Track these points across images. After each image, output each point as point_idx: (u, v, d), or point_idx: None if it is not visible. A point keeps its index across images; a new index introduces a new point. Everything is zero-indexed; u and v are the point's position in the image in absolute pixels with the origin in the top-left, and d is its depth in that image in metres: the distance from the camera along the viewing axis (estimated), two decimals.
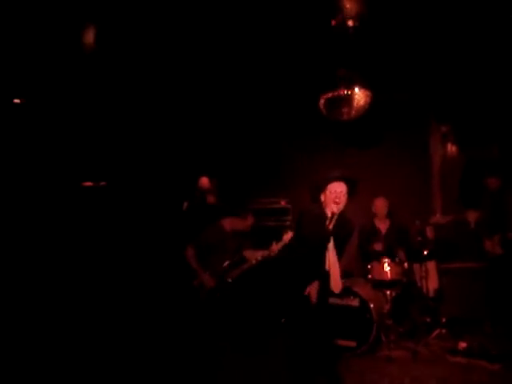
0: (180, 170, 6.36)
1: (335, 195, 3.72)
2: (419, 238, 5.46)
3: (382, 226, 5.84)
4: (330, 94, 5.29)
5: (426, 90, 6.25)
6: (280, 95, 6.45)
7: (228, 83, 6.17)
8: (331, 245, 3.72)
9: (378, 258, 5.21)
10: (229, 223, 4.99)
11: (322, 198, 3.79)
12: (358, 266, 5.72)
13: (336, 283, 3.73)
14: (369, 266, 5.23)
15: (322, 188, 3.79)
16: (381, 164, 6.48)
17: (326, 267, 3.72)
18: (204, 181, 6.03)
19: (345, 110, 5.38)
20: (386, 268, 5.10)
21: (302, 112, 6.35)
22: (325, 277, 3.73)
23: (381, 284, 5.10)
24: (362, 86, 5.24)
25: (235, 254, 4.90)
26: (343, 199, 3.74)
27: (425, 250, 5.45)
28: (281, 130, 6.82)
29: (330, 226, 3.74)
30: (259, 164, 6.90)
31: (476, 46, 5.41)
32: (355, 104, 5.30)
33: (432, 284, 5.52)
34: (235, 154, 6.87)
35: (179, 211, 5.91)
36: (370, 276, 5.19)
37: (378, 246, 5.56)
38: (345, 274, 5.14)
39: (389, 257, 5.15)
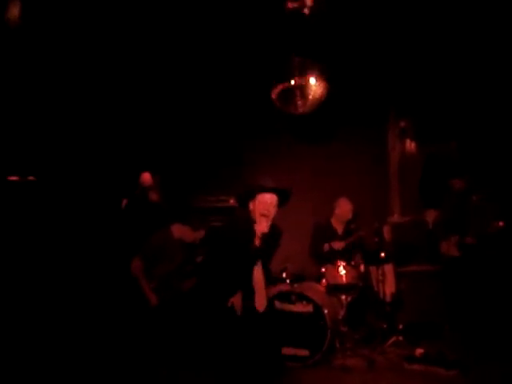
0: (118, 164, 6.25)
1: (264, 206, 3.72)
2: (376, 240, 5.52)
3: (339, 226, 5.90)
4: (283, 85, 5.28)
5: (384, 83, 6.35)
6: (232, 85, 6.44)
7: (173, 71, 6.17)
8: (258, 259, 3.75)
9: (332, 260, 5.24)
10: (178, 231, 4.96)
11: (251, 206, 3.79)
12: (310, 270, 5.76)
13: (261, 301, 3.74)
14: (323, 270, 5.24)
15: (251, 195, 3.79)
16: (336, 160, 6.56)
17: (252, 284, 3.73)
18: (146, 176, 5.95)
19: (299, 102, 5.37)
20: (341, 271, 5.13)
21: (255, 103, 6.37)
22: (249, 292, 3.73)
23: (336, 288, 5.13)
24: (318, 76, 5.26)
25: (183, 266, 4.90)
26: (272, 211, 3.74)
27: (382, 252, 5.53)
28: (233, 122, 6.79)
29: (258, 243, 3.74)
30: (207, 159, 6.84)
31: (436, 36, 5.51)
32: (310, 96, 5.30)
33: (389, 288, 5.56)
34: (180, 147, 6.78)
35: (117, 209, 5.81)
36: (323, 280, 5.21)
37: (338, 245, 5.61)
38: (296, 278, 5.25)
39: (344, 259, 5.20)
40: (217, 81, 6.34)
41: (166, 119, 6.66)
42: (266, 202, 3.74)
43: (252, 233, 3.74)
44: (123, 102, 6.25)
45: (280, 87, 5.32)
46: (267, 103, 5.59)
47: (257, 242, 3.75)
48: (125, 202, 5.83)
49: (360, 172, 6.44)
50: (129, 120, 6.41)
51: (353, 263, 5.22)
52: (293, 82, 5.27)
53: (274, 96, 5.43)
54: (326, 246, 5.64)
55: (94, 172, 6.16)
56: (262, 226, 3.71)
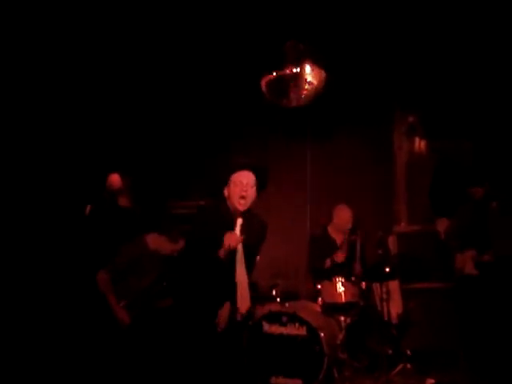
0: (81, 164, 6.24)
1: (240, 187, 3.75)
2: (380, 252, 5.51)
3: (338, 236, 5.89)
4: (274, 74, 5.33)
5: (389, 72, 6.33)
6: (216, 73, 6.45)
7: (148, 63, 6.24)
8: (239, 255, 3.78)
9: (330, 275, 5.24)
10: (154, 241, 4.91)
11: (226, 192, 3.82)
12: (304, 286, 5.77)
13: (243, 301, 3.78)
14: (319, 286, 5.26)
15: (224, 181, 3.83)
16: (334, 162, 6.59)
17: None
18: (114, 178, 5.95)
19: (293, 93, 5.42)
20: (340, 288, 5.12)
21: (242, 95, 6.41)
22: (231, 292, 3.78)
23: (333, 308, 5.12)
24: (315, 63, 5.31)
25: (159, 281, 4.87)
26: (251, 192, 3.78)
27: (386, 266, 5.51)
28: (217, 115, 6.80)
29: (237, 231, 3.77)
30: (187, 157, 6.82)
31: (447, 20, 5.57)
32: (306, 86, 5.35)
33: (395, 308, 5.54)
34: (155, 143, 6.76)
35: (80, 216, 5.80)
36: (319, 298, 5.21)
37: (339, 257, 5.59)
38: (288, 296, 5.24)
39: (343, 275, 5.20)
40: (198, 68, 6.34)
41: (137, 108, 6.62)
42: (241, 182, 3.76)
43: (229, 224, 3.76)
44: (85, 87, 6.29)
45: (270, 76, 5.38)
46: (256, 95, 5.64)
47: (236, 232, 3.77)
48: (89, 207, 5.81)
49: (361, 174, 6.46)
50: (92, 109, 6.40)
51: (353, 279, 5.21)
52: (286, 71, 5.33)
53: (263, 87, 5.48)
54: (328, 262, 5.61)
55: (52, 172, 6.13)
56: (237, 205, 3.75)
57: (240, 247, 3.76)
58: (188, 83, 6.57)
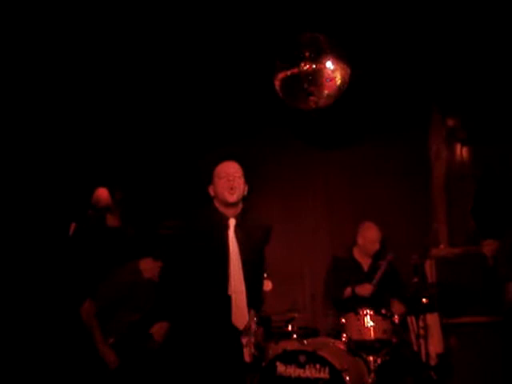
0: (65, 177, 6.22)
1: (227, 178, 3.97)
2: (416, 279, 5.51)
3: (365, 260, 5.92)
4: (289, 72, 5.29)
5: (424, 66, 6.29)
6: (215, 74, 6.44)
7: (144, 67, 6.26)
8: (235, 261, 3.92)
9: (356, 307, 5.18)
10: (148, 268, 4.97)
11: (211, 191, 4.05)
12: (326, 321, 5.78)
13: (240, 316, 3.89)
14: (343, 321, 5.18)
15: (208, 179, 4.06)
16: (361, 173, 6.58)
17: (229, 293, 3.93)
18: (102, 193, 5.97)
19: (311, 93, 5.37)
20: (368, 323, 5.07)
21: (251, 95, 6.47)
22: (225, 305, 3.91)
23: (361, 346, 5.06)
24: (337, 58, 5.25)
25: (155, 315, 4.89)
26: (240, 183, 4.00)
27: (424, 296, 5.44)
28: (220, 118, 6.82)
29: (231, 233, 3.96)
30: (186, 169, 6.80)
31: (497, 9, 5.48)
32: (326, 85, 5.30)
33: (434, 346, 5.50)
34: (149, 153, 6.76)
35: (62, 237, 5.82)
36: (344, 335, 5.13)
37: (365, 289, 5.59)
38: (307, 333, 5.24)
39: (372, 306, 5.14)
40: (198, 67, 6.31)
41: (128, 111, 6.63)
42: (227, 173, 3.98)
43: (221, 227, 3.96)
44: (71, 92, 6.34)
45: (285, 73, 5.34)
46: (268, 95, 5.63)
47: (230, 235, 3.96)
48: (73, 227, 5.83)
49: (392, 187, 6.48)
50: (76, 112, 6.42)
51: (384, 312, 5.12)
52: (303, 67, 5.27)
53: (277, 86, 5.44)
54: (349, 291, 5.62)
55: (29, 184, 6.10)
56: (231, 198, 3.96)
57: (235, 254, 3.92)
58: (188, 85, 6.59)
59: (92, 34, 5.63)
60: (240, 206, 4.08)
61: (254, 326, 3.97)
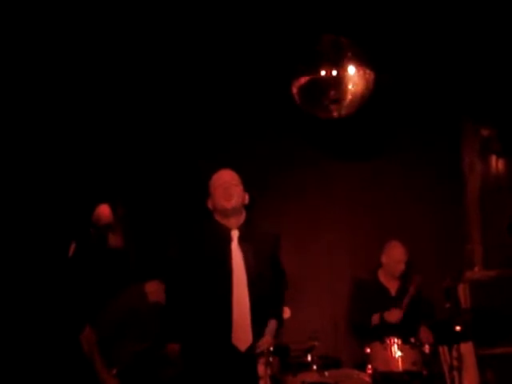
0: (64, 193, 6.23)
1: (223, 186, 4.04)
2: (448, 305, 5.47)
3: (391, 283, 5.87)
4: (308, 77, 5.37)
5: (456, 72, 6.29)
6: (229, 84, 6.49)
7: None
8: (239, 275, 3.96)
9: (382, 335, 5.19)
10: (155, 291, 4.98)
11: (209, 204, 4.14)
12: (348, 350, 5.84)
13: (243, 336, 3.92)
14: (367, 350, 5.19)
15: (206, 191, 4.14)
16: (387, 187, 6.53)
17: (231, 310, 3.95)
18: (103, 210, 5.88)
19: (332, 102, 5.49)
20: (396, 353, 5.07)
21: (265, 103, 6.48)
22: (226, 324, 3.93)
23: (387, 379, 5.05)
24: (361, 63, 5.35)
25: (162, 343, 4.82)
26: (237, 190, 4.06)
27: (457, 323, 5.40)
28: (233, 127, 6.76)
29: (234, 246, 4.02)
30: (195, 183, 6.42)
31: None
32: (349, 92, 5.39)
33: (468, 379, 5.45)
34: (154, 166, 6.70)
35: (61, 259, 5.73)
36: (369, 366, 5.12)
37: (394, 315, 5.52)
38: (328, 363, 5.20)
39: (400, 334, 5.14)
40: (209, 67, 6.37)
41: (131, 119, 6.62)
42: (222, 180, 4.07)
43: (223, 240, 4.02)
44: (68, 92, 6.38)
45: (304, 79, 5.42)
46: (285, 102, 5.76)
47: (233, 247, 4.01)
48: (73, 247, 5.75)
49: (421, 202, 6.43)
50: (74, 127, 6.43)
51: (413, 341, 5.12)
52: (323, 73, 5.36)
53: (295, 94, 5.54)
54: (376, 318, 5.56)
55: (24, 200, 6.12)
56: (229, 203, 4.02)
57: (239, 268, 3.96)
58: (200, 96, 6.64)
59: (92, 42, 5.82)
60: (243, 215, 4.13)
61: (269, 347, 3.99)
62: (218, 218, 4.08)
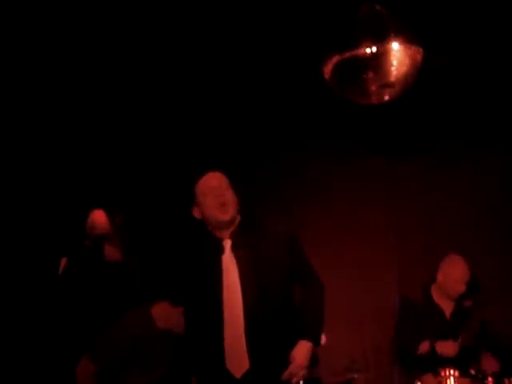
0: (52, 197, 6.31)
1: (213, 193, 4.07)
2: None
3: (446, 304, 5.84)
4: (344, 55, 5.29)
5: None
6: (249, 55, 6.49)
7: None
8: (231, 289, 3.98)
9: (435, 366, 5.16)
10: (164, 315, 4.93)
11: (196, 213, 4.18)
12: (394, 382, 6.04)
13: (237, 360, 3.94)
14: (419, 383, 5.22)
15: (192, 198, 4.18)
16: (437, 188, 6.56)
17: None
18: (98, 218, 5.97)
19: (372, 85, 5.41)
20: None
21: (293, 88, 6.57)
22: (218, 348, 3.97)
23: None
24: (406, 39, 5.25)
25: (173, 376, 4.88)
26: (230, 196, 4.10)
27: None
28: (253, 118, 6.89)
29: (226, 258, 4.04)
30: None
31: None
32: (393, 73, 5.30)
33: None
34: (159, 167, 6.83)
35: (50, 276, 5.82)
36: None
37: (449, 348, 5.49)
38: None
39: (458, 365, 5.10)
40: (225, 44, 6.34)
41: (130, 119, 6.76)
42: (212, 187, 4.11)
43: (212, 252, 4.07)
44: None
45: (338, 59, 5.33)
46: (314, 88, 5.86)
47: (224, 260, 4.03)
48: (64, 262, 5.82)
49: (483, 211, 6.45)
50: (65, 122, 6.56)
51: (473, 372, 5.12)
52: (360, 51, 5.26)
53: (327, 76, 5.47)
54: (426, 346, 5.53)
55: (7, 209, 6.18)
56: (224, 215, 4.05)
57: (232, 282, 3.98)
58: (211, 70, 6.66)
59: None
60: (236, 220, 4.15)
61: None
62: (209, 227, 4.15)
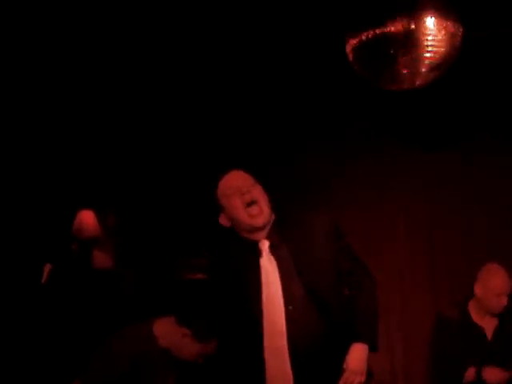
0: (35, 197, 6.33)
1: (239, 193, 4.00)
2: None
3: (486, 321, 5.80)
4: (370, 33, 5.24)
5: None
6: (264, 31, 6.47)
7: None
8: (272, 296, 3.96)
9: None
10: (168, 332, 4.87)
11: (223, 220, 4.12)
12: None
13: (280, 379, 3.90)
14: None
15: (216, 206, 4.12)
16: (482, 191, 6.53)
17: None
18: (87, 220, 6.05)
19: (404, 66, 5.37)
20: None
21: (299, 76, 6.73)
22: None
23: None
24: (442, 15, 5.20)
25: None
26: (258, 192, 4.04)
27: None
28: (265, 103, 6.93)
29: (263, 260, 4.01)
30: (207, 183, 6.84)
31: None
32: (427, 55, 5.27)
33: None
34: (154, 162, 6.87)
35: (33, 286, 5.88)
36: None
37: (495, 375, 5.47)
38: None
39: None
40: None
41: (126, 108, 6.83)
42: (235, 186, 4.03)
43: (247, 257, 4.04)
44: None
45: (363, 37, 5.29)
46: (336, 70, 5.93)
47: (262, 264, 4.01)
48: (47, 269, 5.87)
49: None
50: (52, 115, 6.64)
51: None
52: (390, 28, 5.23)
53: (350, 55, 5.43)
54: (472, 374, 5.50)
55: None
56: (257, 220, 3.98)
57: (272, 287, 3.96)
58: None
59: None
60: (271, 218, 4.10)
61: None
62: (239, 230, 4.09)
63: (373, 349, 3.94)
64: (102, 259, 5.98)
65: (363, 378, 3.83)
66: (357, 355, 3.84)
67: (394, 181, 6.68)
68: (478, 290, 5.73)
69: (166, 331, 4.86)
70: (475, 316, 5.76)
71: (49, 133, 6.63)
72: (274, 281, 3.97)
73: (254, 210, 3.95)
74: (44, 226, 6.08)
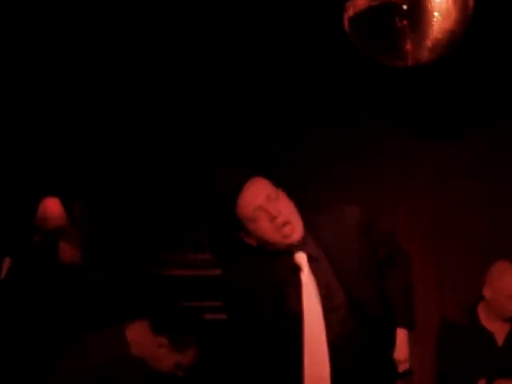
0: None
1: (265, 215, 3.89)
2: None
3: (497, 326, 5.84)
4: (371, 2, 5.29)
5: None
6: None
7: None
8: (314, 316, 3.95)
9: None
10: (142, 338, 4.85)
11: (252, 242, 4.03)
12: None
13: None
14: None
15: (234, 224, 3.99)
16: (493, 186, 6.65)
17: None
18: (52, 208, 6.05)
19: (406, 41, 5.38)
20: None
21: (302, 49, 6.78)
22: None
23: None
24: None
25: None
26: (285, 204, 3.95)
27: None
28: (243, 104, 7.03)
29: (304, 276, 3.98)
30: (190, 172, 6.94)
31: None
32: (433, 28, 5.30)
33: None
34: (128, 144, 6.97)
35: None
36: None
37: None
38: None
39: None
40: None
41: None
42: (256, 206, 3.89)
43: (284, 275, 4.00)
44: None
45: (361, 6, 5.35)
46: (333, 43, 6.02)
47: (304, 280, 3.98)
48: (7, 263, 5.92)
49: None
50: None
51: None
52: None
53: (347, 27, 5.48)
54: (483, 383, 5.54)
55: None
56: (291, 238, 3.94)
57: (315, 303, 3.94)
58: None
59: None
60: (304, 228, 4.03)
61: None
62: (270, 248, 4.00)
63: (411, 328, 4.14)
64: (68, 252, 5.91)
65: (408, 365, 4.06)
66: (402, 343, 4.07)
67: (394, 179, 6.80)
68: (487, 292, 5.78)
69: (140, 336, 4.82)
70: (485, 320, 5.79)
71: (12, 116, 6.67)
72: (315, 300, 3.96)
73: (288, 229, 3.88)
74: (4, 215, 6.15)
